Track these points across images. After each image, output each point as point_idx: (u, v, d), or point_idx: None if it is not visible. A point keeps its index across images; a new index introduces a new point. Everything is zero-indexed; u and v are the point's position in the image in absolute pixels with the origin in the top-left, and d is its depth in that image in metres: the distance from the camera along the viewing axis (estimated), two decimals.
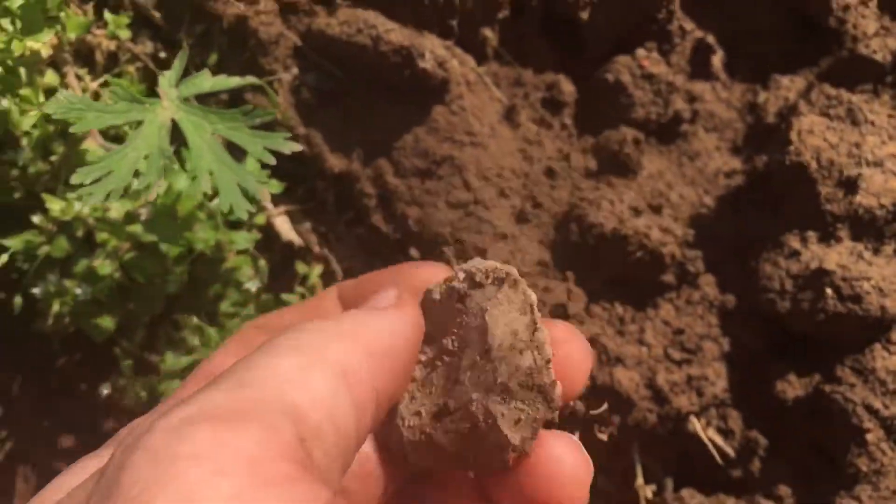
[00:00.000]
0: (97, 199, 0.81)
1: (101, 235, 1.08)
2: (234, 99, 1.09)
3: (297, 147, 0.86)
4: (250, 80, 0.90)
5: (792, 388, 0.97)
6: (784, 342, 0.99)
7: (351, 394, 0.37)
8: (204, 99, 0.93)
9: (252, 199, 0.87)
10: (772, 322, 0.99)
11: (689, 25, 1.11)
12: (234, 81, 0.90)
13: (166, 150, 0.85)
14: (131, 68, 1.10)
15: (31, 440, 1.30)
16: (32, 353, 1.32)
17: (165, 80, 0.88)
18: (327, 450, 0.35)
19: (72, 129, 0.82)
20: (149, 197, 0.89)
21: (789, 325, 0.97)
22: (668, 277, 1.00)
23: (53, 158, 1.11)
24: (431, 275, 0.47)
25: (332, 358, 0.37)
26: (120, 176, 0.83)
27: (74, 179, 0.82)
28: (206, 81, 0.89)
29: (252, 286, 1.08)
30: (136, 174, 0.84)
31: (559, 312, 0.99)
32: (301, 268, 1.10)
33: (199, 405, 0.34)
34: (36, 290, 1.10)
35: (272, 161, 0.86)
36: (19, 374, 1.33)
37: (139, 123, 0.86)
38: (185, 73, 0.98)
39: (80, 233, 1.04)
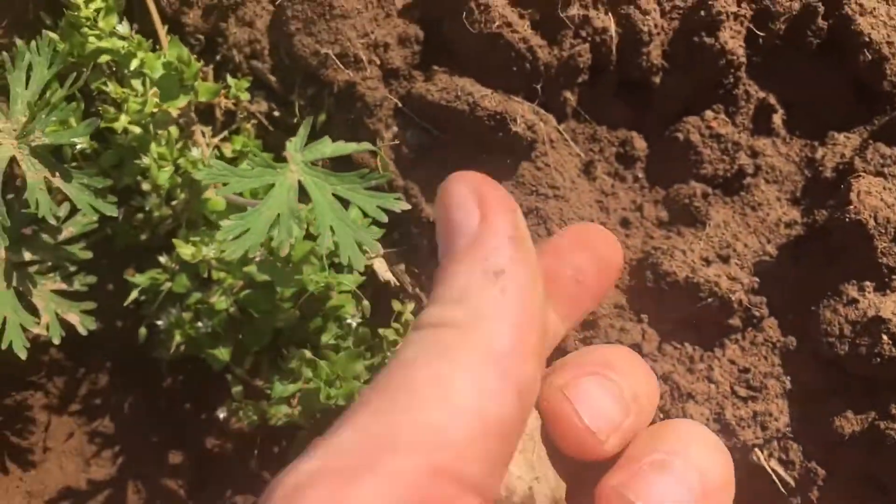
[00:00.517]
0: (238, 254, 0.94)
1: (219, 274, 1.21)
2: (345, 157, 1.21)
3: (406, 206, 0.98)
4: (365, 146, 1.02)
5: (849, 423, 1.06)
6: (842, 381, 1.08)
7: (508, 380, 0.34)
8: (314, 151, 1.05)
9: (365, 253, 0.99)
10: (830, 363, 1.08)
11: (752, 88, 1.21)
12: (351, 147, 1.02)
13: (295, 210, 0.97)
14: (248, 125, 1.23)
15: (141, 456, 1.43)
16: (142, 375, 1.45)
17: (292, 145, 1.01)
18: (482, 456, 0.33)
19: (218, 193, 0.95)
20: (281, 253, 1.01)
21: (847, 367, 1.06)
22: (735, 321, 1.10)
23: (175, 203, 1.24)
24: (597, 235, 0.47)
25: (478, 351, 0.34)
26: (256, 233, 0.95)
27: (220, 236, 0.95)
28: (327, 147, 1.01)
29: (353, 322, 1.20)
30: (271, 229, 0.96)
31: (635, 351, 1.09)
32: (396, 305, 1.22)
33: (321, 459, 0.32)
34: (160, 322, 1.23)
35: (384, 219, 0.99)
36: (130, 395, 1.47)
37: (271, 185, 0.98)
38: (294, 128, 1.11)
39: (204, 273, 1.16)
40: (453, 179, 0.42)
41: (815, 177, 1.20)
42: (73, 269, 1.19)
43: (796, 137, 1.24)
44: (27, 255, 1.17)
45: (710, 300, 1.07)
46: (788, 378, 1.09)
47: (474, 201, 0.40)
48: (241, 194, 1.14)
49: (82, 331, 1.16)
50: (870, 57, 1.17)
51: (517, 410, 0.34)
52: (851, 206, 1.04)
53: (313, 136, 1.00)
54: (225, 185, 0.94)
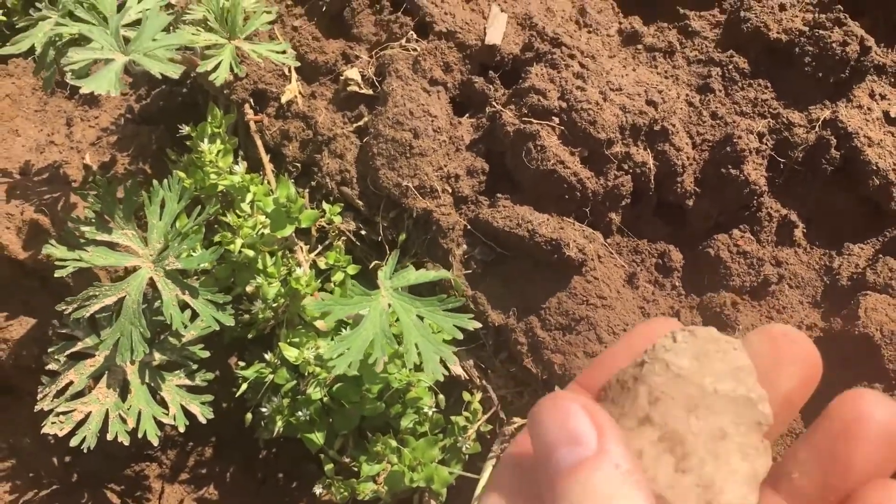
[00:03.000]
0: (342, 369, 1.15)
1: (314, 369, 1.41)
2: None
3: (478, 325, 1.19)
4: (444, 274, 1.23)
5: None
6: None
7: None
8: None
9: (445, 365, 1.19)
10: None
11: (775, 206, 1.39)
12: (431, 275, 1.22)
13: (387, 330, 1.18)
14: (339, 242, 1.44)
15: None
16: (240, 449, 1.66)
17: (383, 274, 1.21)
18: None
19: (325, 320, 1.16)
20: (377, 369, 1.21)
21: None
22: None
23: (276, 306, 1.45)
24: (663, 329, 0.51)
25: None
26: (356, 350, 1.16)
27: (326, 355, 1.16)
28: (412, 275, 1.22)
29: (430, 411, 1.39)
30: (369, 349, 1.16)
31: None
32: (466, 396, 1.42)
33: None
34: (264, 409, 1.44)
35: (460, 336, 1.19)
36: (231, 466, 1.68)
37: (368, 310, 1.19)
38: (378, 244, 1.32)
39: (307, 371, 1.37)
40: (564, 398, 0.46)
41: (833, 284, 1.37)
42: (194, 367, 1.40)
43: (816, 247, 1.41)
44: (157, 356, 1.39)
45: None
46: None
47: (588, 417, 0.45)
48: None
49: (202, 419, 1.38)
50: (878, 182, 1.34)
51: None
52: (860, 321, 1.21)
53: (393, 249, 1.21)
54: (332, 311, 1.15)
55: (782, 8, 1.42)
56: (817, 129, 1.37)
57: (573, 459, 0.43)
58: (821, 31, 1.37)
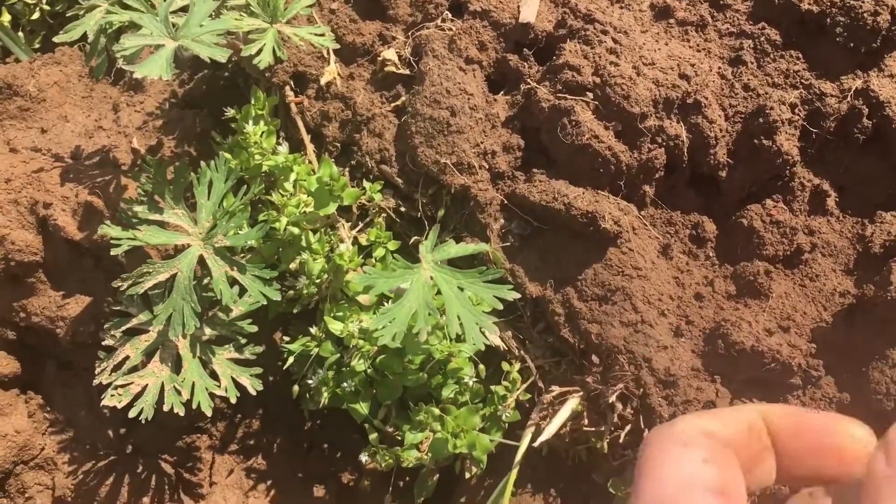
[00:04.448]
0: (387, 340, 1.19)
1: (358, 342, 1.46)
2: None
3: (517, 295, 1.22)
4: (483, 247, 1.27)
5: None
6: None
7: None
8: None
9: (485, 336, 1.23)
10: (881, 417, 1.27)
11: (807, 176, 1.41)
12: (471, 248, 1.27)
13: (430, 302, 1.22)
14: (379, 219, 1.49)
15: (290, 489, 1.70)
16: (286, 420, 1.72)
17: (424, 248, 1.26)
18: None
19: (371, 293, 1.21)
20: (420, 339, 1.25)
21: (893, 419, 1.25)
22: (796, 380, 1.30)
23: (320, 282, 1.50)
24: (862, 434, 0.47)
25: None
26: (400, 322, 1.20)
27: (372, 325, 1.21)
28: (452, 248, 1.26)
29: (470, 381, 1.44)
30: (413, 320, 1.20)
31: (709, 407, 1.30)
32: (504, 366, 1.46)
33: None
34: (310, 381, 1.49)
35: (500, 307, 1.23)
36: (278, 437, 1.74)
37: (410, 282, 1.23)
38: (417, 220, 1.36)
39: (351, 343, 1.42)
40: (675, 439, 0.46)
41: (866, 251, 1.39)
42: (243, 341, 1.46)
43: (848, 216, 1.43)
44: (207, 331, 1.45)
45: (773, 365, 1.28)
46: None
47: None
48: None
49: (252, 391, 1.44)
50: None
51: None
52: (892, 287, 1.23)
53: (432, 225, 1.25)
54: (375, 285, 1.20)
55: None
56: (849, 98, 1.38)
57: None
58: (852, 2, 1.38)
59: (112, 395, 1.38)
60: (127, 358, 1.41)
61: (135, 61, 1.24)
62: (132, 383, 1.39)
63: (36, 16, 1.95)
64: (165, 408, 1.37)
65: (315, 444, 1.73)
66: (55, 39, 1.30)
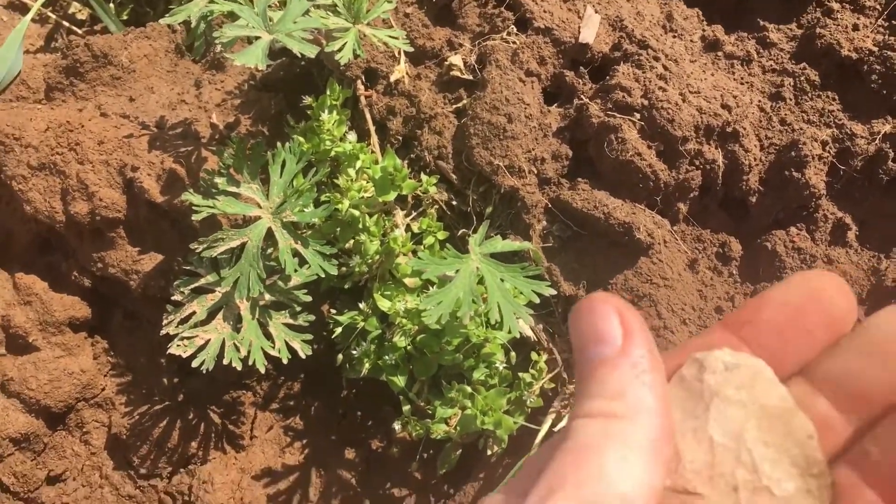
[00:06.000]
0: (431, 321, 1.32)
1: (400, 320, 1.60)
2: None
3: (553, 291, 1.35)
4: (526, 245, 1.40)
5: None
6: None
7: (661, 458, 0.45)
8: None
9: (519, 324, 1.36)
10: None
11: (831, 209, 1.52)
12: (516, 245, 1.39)
13: (474, 289, 1.35)
14: (431, 210, 1.62)
15: (323, 449, 1.84)
16: (325, 386, 1.87)
17: (473, 241, 1.39)
18: None
19: (424, 276, 1.34)
20: (464, 321, 1.38)
21: None
22: None
23: (371, 262, 1.64)
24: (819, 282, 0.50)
25: (642, 437, 0.45)
26: (446, 305, 1.33)
27: (421, 305, 1.34)
28: (499, 244, 1.39)
29: (501, 366, 1.57)
30: (457, 305, 1.33)
31: None
32: (533, 355, 1.59)
33: None
34: (354, 352, 1.63)
35: (537, 301, 1.36)
36: (316, 400, 1.89)
37: (458, 270, 1.36)
38: (466, 214, 1.49)
39: (396, 321, 1.56)
40: (599, 299, 0.49)
41: (879, 284, 1.51)
42: (298, 308, 1.60)
43: (866, 249, 1.54)
44: (267, 297, 1.60)
45: None
46: None
47: (618, 319, 0.48)
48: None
49: (302, 355, 1.58)
50: None
51: (662, 481, 0.45)
52: None
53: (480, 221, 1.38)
54: (427, 268, 1.33)
55: (855, 28, 1.54)
56: (877, 141, 1.49)
57: (598, 356, 0.48)
58: (889, 52, 1.49)
59: (178, 345, 1.53)
60: (193, 313, 1.56)
61: (230, 49, 1.38)
62: (197, 336, 1.53)
63: None
64: (224, 361, 1.51)
65: (349, 412, 1.87)
66: (162, 21, 1.45)
